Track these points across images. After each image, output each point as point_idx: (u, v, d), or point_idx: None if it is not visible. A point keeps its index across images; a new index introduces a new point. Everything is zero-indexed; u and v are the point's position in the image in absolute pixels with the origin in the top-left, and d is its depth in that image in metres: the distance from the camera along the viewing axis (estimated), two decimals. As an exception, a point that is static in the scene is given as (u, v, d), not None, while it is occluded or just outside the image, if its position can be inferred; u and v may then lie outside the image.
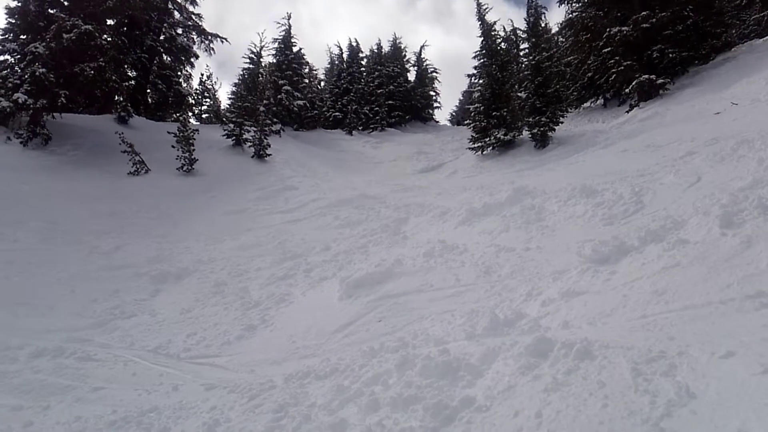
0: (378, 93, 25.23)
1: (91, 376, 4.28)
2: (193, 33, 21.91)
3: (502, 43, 18.85)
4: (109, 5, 13.98)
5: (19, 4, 13.61)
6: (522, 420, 2.37)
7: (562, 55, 19.47)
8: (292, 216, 10.67)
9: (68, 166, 12.27)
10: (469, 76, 28.75)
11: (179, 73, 21.88)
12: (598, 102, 18.13)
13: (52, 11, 13.68)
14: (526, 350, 3.01)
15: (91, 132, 14.29)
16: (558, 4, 19.27)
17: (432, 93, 29.72)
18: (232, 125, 16.34)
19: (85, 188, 11.25)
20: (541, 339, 3.09)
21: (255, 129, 15.78)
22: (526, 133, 14.65)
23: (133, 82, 19.22)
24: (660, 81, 13.79)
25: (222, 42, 22.31)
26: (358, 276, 6.16)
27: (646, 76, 13.89)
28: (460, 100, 37.72)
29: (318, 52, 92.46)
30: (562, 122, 14.59)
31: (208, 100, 24.57)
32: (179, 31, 21.51)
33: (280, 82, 21.75)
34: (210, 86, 24.40)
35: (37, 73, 12.17)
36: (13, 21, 13.76)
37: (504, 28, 30.25)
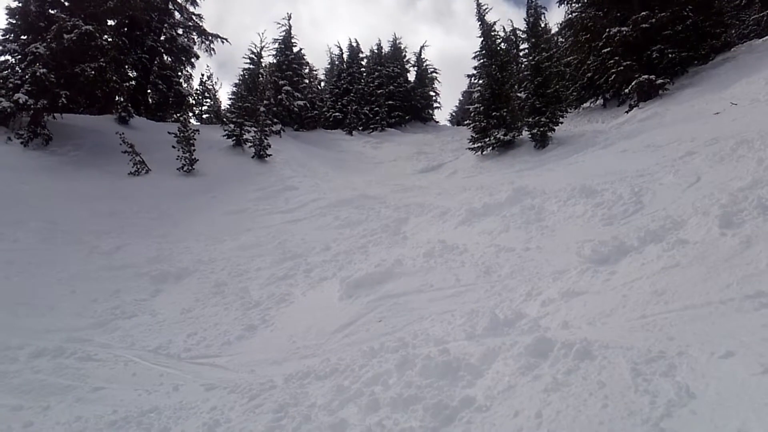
0: (378, 93, 25.25)
1: (91, 376, 4.29)
2: (194, 33, 21.94)
3: (502, 44, 18.84)
4: (109, 6, 13.99)
5: (20, 5, 13.62)
6: (522, 420, 2.38)
7: (562, 56, 19.48)
8: (292, 216, 10.67)
9: (69, 167, 12.28)
10: (468, 76, 28.84)
11: (180, 73, 21.91)
12: (598, 102, 18.14)
13: (52, 12, 13.69)
14: (526, 350, 3.01)
15: (92, 132, 14.30)
16: (558, 4, 19.33)
17: (432, 93, 29.76)
18: (232, 125, 16.35)
19: (85, 188, 11.25)
20: (540, 339, 3.09)
21: (255, 129, 15.79)
22: (525, 134, 14.66)
23: (133, 83, 19.23)
24: (659, 81, 13.80)
25: (222, 42, 22.37)
26: (358, 276, 6.16)
27: (646, 76, 13.90)
28: (459, 100, 37.79)
29: (318, 53, 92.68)
30: (561, 122, 14.60)
31: (208, 100, 24.65)
32: (180, 31, 21.54)
33: (281, 82, 21.77)
34: (210, 86, 24.51)
35: (38, 74, 12.18)
36: (14, 21, 13.76)
37: (504, 28, 30.36)
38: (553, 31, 23.22)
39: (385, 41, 30.64)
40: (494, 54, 16.03)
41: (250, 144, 15.79)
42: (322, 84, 29.99)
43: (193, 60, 22.13)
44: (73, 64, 12.81)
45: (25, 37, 13.73)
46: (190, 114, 21.91)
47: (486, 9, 16.65)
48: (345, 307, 5.56)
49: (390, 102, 25.81)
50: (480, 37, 16.50)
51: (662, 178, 6.76)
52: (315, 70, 28.42)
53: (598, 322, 3.57)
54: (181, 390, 3.98)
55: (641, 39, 14.72)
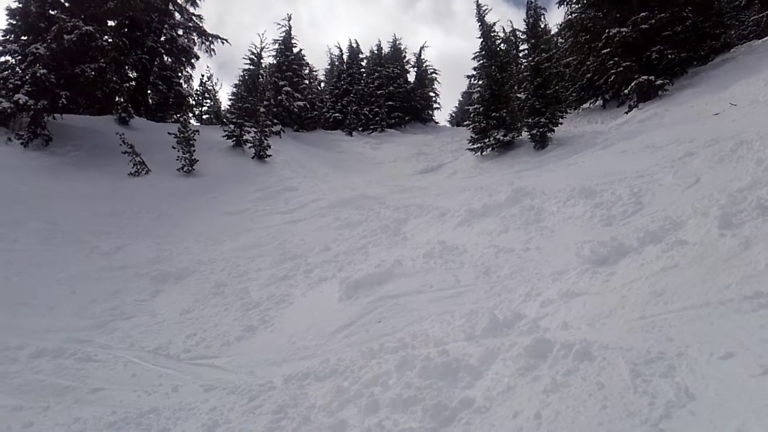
0: (378, 94, 25.27)
1: (90, 377, 4.29)
2: (194, 34, 21.97)
3: (502, 44, 18.84)
4: (109, 6, 14.00)
5: (20, 5, 13.63)
6: (521, 421, 2.38)
7: (562, 56, 19.50)
8: (292, 217, 10.67)
9: (69, 167, 12.29)
10: (468, 77, 28.89)
11: (180, 74, 21.94)
12: (597, 103, 18.16)
13: (53, 12, 13.70)
14: (525, 351, 3.01)
15: (92, 133, 14.31)
16: (557, 5, 19.34)
17: (432, 94, 29.74)
18: (232, 126, 16.36)
19: (85, 189, 11.26)
20: (540, 340, 3.09)
21: (255, 130, 15.80)
22: (525, 134, 14.67)
23: (133, 83, 19.27)
24: (659, 82, 13.81)
25: (222, 43, 22.41)
26: (358, 277, 6.16)
27: (645, 77, 13.91)
28: (459, 101, 37.79)
29: (318, 53, 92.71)
30: (561, 123, 14.60)
31: (208, 101, 24.66)
32: (180, 32, 21.56)
33: (281, 83, 21.78)
34: (210, 87, 24.50)
35: (38, 74, 12.19)
36: (14, 22, 13.78)
37: (503, 29, 30.28)
38: (552, 32, 23.28)
39: (384, 42, 30.61)
40: (494, 55, 16.04)
41: (250, 144, 15.80)
42: (322, 85, 30.02)
43: (193, 61, 22.19)
44: (74, 64, 12.82)
45: (26, 37, 13.74)
46: (190, 114, 21.92)
47: (486, 10, 16.67)
48: (345, 308, 5.56)
49: (390, 103, 25.82)
50: (480, 37, 16.51)
51: (662, 178, 6.76)
52: (315, 71, 28.48)
53: (598, 323, 3.57)
54: (181, 391, 3.98)
55: (641, 40, 14.74)
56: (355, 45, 27.66)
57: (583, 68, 17.06)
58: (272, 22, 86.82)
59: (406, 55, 29.62)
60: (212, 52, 22.38)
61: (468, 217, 7.85)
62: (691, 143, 8.05)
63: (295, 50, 23.17)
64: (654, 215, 5.53)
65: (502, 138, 14.57)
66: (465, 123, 18.54)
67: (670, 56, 14.50)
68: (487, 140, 14.87)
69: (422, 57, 30.01)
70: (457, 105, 38.35)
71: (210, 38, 22.03)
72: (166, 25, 20.69)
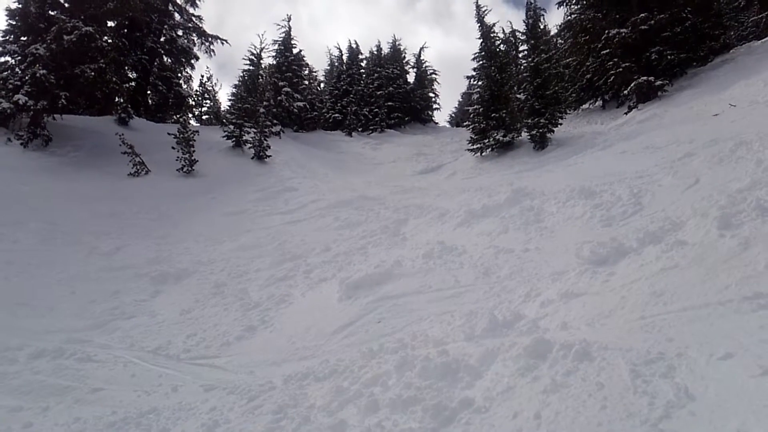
0: (377, 94, 25.28)
1: (90, 377, 4.29)
2: (194, 35, 21.99)
3: (501, 45, 18.88)
4: (109, 7, 14.01)
5: (20, 6, 13.64)
6: (521, 421, 2.38)
7: (561, 57, 19.51)
8: (292, 217, 10.67)
9: (68, 167, 12.29)
10: (468, 77, 28.96)
11: (179, 74, 21.97)
12: (597, 103, 18.17)
13: (52, 13, 13.71)
14: (525, 351, 3.01)
15: (92, 133, 14.31)
16: (557, 6, 19.35)
17: (431, 94, 29.75)
18: (232, 126, 16.36)
19: (85, 189, 11.26)
20: (539, 340, 3.10)
21: (255, 130, 15.80)
22: (525, 135, 14.68)
23: (133, 84, 19.28)
24: (658, 83, 13.82)
25: (222, 44, 22.43)
26: (358, 277, 6.16)
27: (645, 77, 13.92)
28: (459, 101, 37.83)
29: (318, 54, 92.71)
30: (560, 124, 14.62)
31: (208, 101, 24.67)
32: (179, 32, 21.58)
33: (280, 83, 21.79)
34: (210, 88, 24.55)
35: (38, 75, 12.19)
36: (14, 23, 13.79)
37: (503, 29, 30.22)
38: (552, 33, 23.28)
39: (384, 42, 30.63)
40: (493, 55, 16.06)
41: (249, 145, 15.80)
42: (322, 85, 30.02)
43: (192, 61, 22.22)
44: (73, 65, 12.83)
45: (25, 38, 13.75)
46: (190, 115, 21.96)
47: (485, 10, 16.70)
48: (344, 308, 5.56)
49: (389, 103, 25.84)
50: (479, 38, 16.53)
51: (661, 179, 6.76)
52: (314, 72, 28.50)
53: (597, 323, 3.57)
54: (180, 391, 3.98)
55: (640, 41, 14.75)
56: (354, 45, 27.72)
57: (583, 69, 17.08)
58: (272, 22, 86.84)
59: (406, 55, 29.69)
60: (212, 53, 22.45)
61: (468, 218, 7.86)
62: (691, 144, 8.06)
63: (294, 51, 23.19)
64: (653, 216, 5.53)
65: (501, 138, 14.58)
66: (465, 123, 18.56)
67: (669, 57, 14.51)
68: (486, 141, 14.88)
69: (422, 57, 30.04)
70: (456, 105, 38.43)
71: (210, 39, 22.06)
72: (165, 26, 20.71)
